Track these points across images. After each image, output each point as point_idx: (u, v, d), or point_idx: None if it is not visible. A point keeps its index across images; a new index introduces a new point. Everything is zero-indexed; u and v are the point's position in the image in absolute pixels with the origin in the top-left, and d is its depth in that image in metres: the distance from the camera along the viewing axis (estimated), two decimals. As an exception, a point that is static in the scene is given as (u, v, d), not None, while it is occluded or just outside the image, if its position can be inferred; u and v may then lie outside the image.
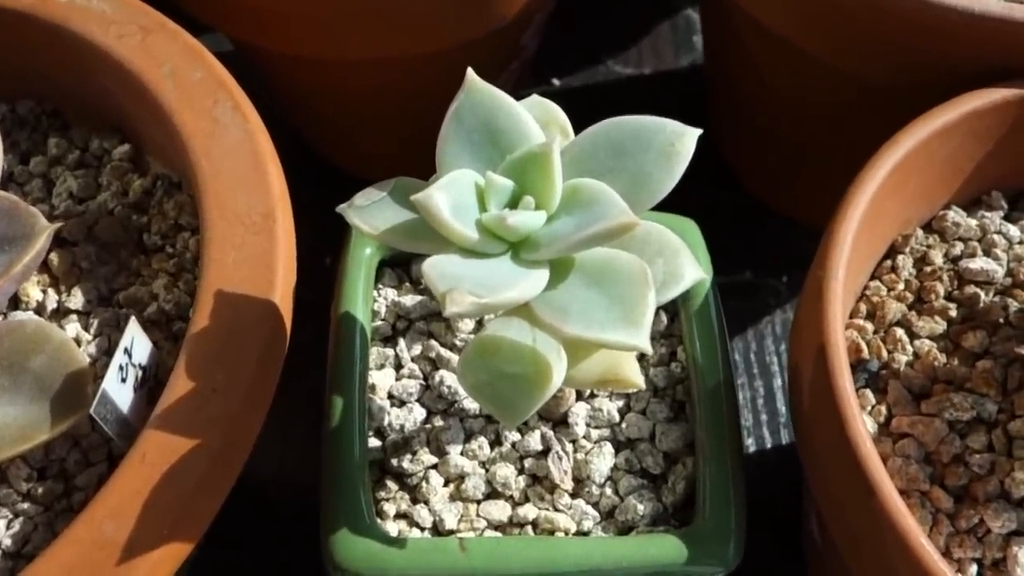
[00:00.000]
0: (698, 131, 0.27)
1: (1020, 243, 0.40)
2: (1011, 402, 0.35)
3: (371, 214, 0.27)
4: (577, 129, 0.29)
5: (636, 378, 0.29)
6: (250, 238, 0.32)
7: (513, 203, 0.26)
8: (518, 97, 0.29)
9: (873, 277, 0.40)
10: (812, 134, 0.50)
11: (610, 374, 0.28)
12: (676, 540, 0.32)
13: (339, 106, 0.52)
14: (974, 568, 0.33)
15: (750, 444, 0.53)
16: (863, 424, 0.30)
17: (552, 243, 0.25)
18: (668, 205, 0.47)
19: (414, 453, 0.34)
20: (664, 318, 0.38)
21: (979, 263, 0.38)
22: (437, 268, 0.24)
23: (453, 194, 0.25)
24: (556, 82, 0.69)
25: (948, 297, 0.39)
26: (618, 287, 0.25)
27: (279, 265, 0.32)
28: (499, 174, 0.26)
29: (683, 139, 0.27)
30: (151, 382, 0.32)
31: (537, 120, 0.28)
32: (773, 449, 0.53)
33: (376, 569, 0.30)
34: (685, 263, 0.27)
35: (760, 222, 0.60)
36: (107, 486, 0.27)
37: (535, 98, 0.29)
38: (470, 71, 0.28)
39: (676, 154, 0.26)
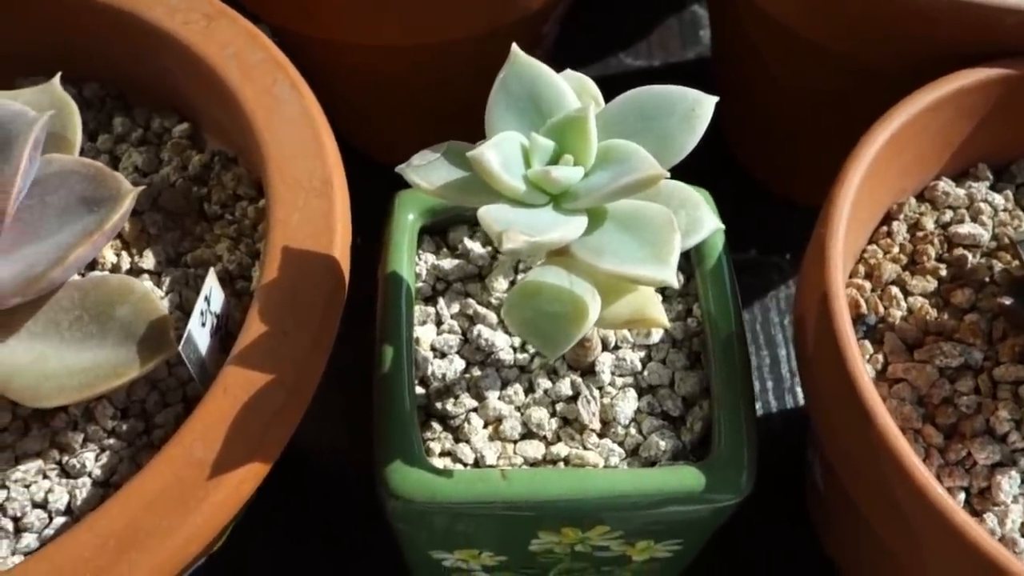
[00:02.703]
0: (715, 98, 0.31)
1: (1004, 210, 0.43)
2: (996, 351, 0.39)
3: (428, 172, 0.30)
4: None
5: (662, 318, 0.32)
6: (312, 200, 0.35)
7: (554, 161, 0.30)
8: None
9: (871, 242, 0.43)
10: (812, 119, 0.54)
11: (638, 315, 0.32)
12: (695, 471, 0.35)
13: (371, 92, 0.55)
14: (962, 495, 0.36)
15: (757, 409, 0.56)
16: (862, 361, 0.34)
17: (589, 193, 0.29)
18: None
19: (456, 397, 0.38)
20: (681, 278, 0.41)
21: (967, 228, 0.42)
22: (492, 214, 0.27)
23: (502, 152, 0.29)
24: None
25: (939, 259, 0.42)
26: (647, 231, 0.28)
27: (338, 224, 0.35)
28: (541, 135, 0.30)
29: (703, 104, 0.30)
30: (222, 331, 0.35)
31: (575, 90, 0.32)
32: (779, 413, 0.57)
33: (427, 496, 0.34)
34: (705, 214, 0.31)
35: (764, 205, 0.64)
36: (195, 414, 0.31)
37: (570, 72, 0.33)
38: (514, 45, 0.31)
39: (697, 117, 0.30)
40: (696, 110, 0.30)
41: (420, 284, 0.41)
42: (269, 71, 0.39)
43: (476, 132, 0.31)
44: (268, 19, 0.51)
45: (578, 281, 0.31)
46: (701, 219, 0.30)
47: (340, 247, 0.35)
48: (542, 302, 0.30)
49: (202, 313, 0.32)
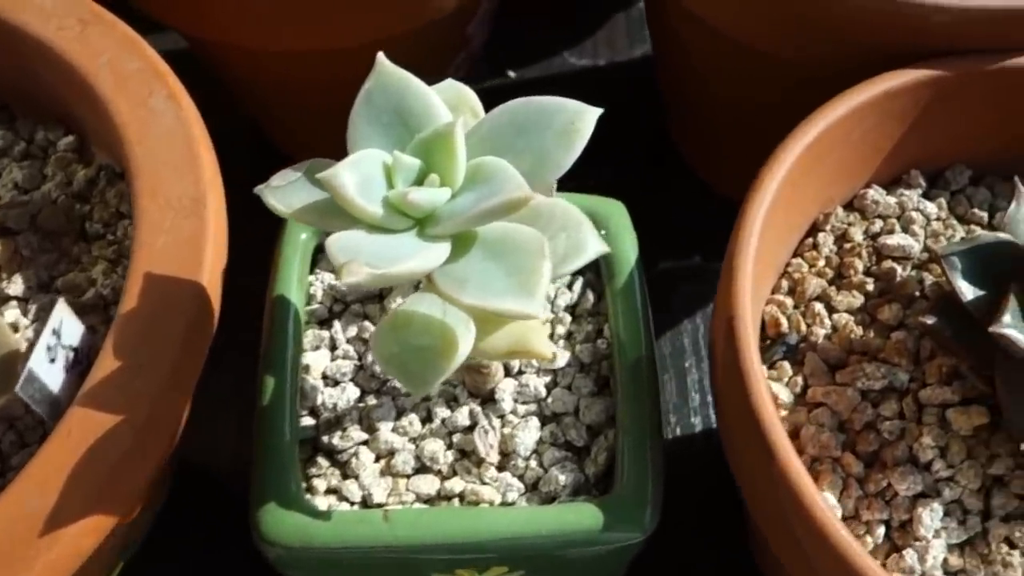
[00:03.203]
0: (598, 110, 0.28)
1: (937, 219, 0.41)
2: (923, 371, 0.37)
3: (286, 194, 0.28)
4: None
5: (544, 350, 0.30)
6: (180, 222, 0.33)
7: (419, 181, 0.27)
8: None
9: (796, 254, 0.41)
10: (749, 121, 0.51)
11: (519, 346, 0.29)
12: (593, 508, 0.33)
13: (285, 98, 0.53)
14: (882, 529, 0.34)
15: (696, 424, 0.54)
16: (767, 391, 0.31)
17: (452, 217, 0.26)
18: (624, 189, 0.48)
19: (344, 430, 0.35)
20: (591, 296, 0.39)
21: (896, 239, 0.40)
22: (339, 242, 0.25)
23: (360, 172, 0.27)
24: (512, 74, 0.71)
25: (867, 272, 0.40)
26: (515, 258, 0.26)
27: (208, 247, 0.33)
28: (407, 153, 0.28)
29: (583, 118, 0.28)
30: (84, 364, 0.33)
31: (449, 103, 0.30)
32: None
33: (302, 541, 0.31)
34: (588, 237, 0.28)
35: (710, 207, 0.61)
36: (32, 461, 0.28)
37: (448, 81, 0.31)
38: (380, 54, 0.29)
39: (575, 132, 0.28)
40: (575, 124, 0.28)
41: (316, 306, 0.39)
42: (146, 81, 0.36)
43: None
44: (175, 26, 0.48)
45: (453, 311, 0.28)
46: (583, 242, 0.28)
47: (210, 271, 0.32)
48: (410, 334, 0.28)
49: (50, 348, 0.30)
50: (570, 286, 0.39)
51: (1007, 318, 0.32)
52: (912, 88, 0.39)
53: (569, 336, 0.38)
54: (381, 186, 0.27)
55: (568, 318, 0.38)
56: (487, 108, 0.29)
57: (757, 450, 0.31)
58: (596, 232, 0.28)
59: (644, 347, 0.36)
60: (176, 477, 0.43)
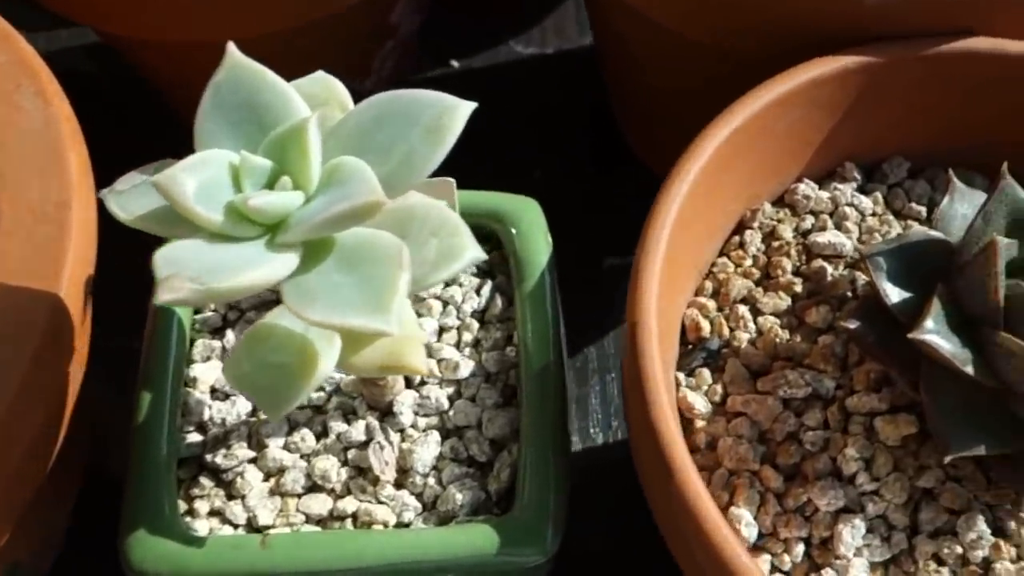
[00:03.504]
0: (471, 105, 0.26)
1: (872, 215, 0.39)
2: (851, 378, 0.34)
3: (128, 200, 0.25)
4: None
5: (419, 364, 0.28)
6: (39, 227, 0.31)
7: (271, 183, 0.25)
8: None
9: (723, 254, 0.39)
10: (687, 109, 0.48)
11: (392, 360, 0.27)
12: (488, 529, 0.30)
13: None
14: (801, 547, 0.32)
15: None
16: (668, 403, 0.29)
17: (299, 224, 0.24)
18: (573, 179, 0.45)
19: (229, 447, 0.33)
20: (500, 301, 0.37)
21: (827, 237, 0.37)
22: (167, 254, 0.22)
23: (203, 175, 0.24)
24: (455, 64, 0.68)
25: (796, 272, 0.37)
26: (369, 269, 0.24)
27: (68, 256, 0.30)
28: (259, 153, 0.25)
29: (452, 114, 0.25)
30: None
31: (315, 97, 0.27)
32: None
33: (173, 569, 0.29)
34: (462, 242, 0.26)
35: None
36: None
37: (318, 74, 0.28)
38: (231, 44, 0.26)
39: (443, 128, 0.25)
40: (443, 119, 0.25)
41: (208, 314, 0.36)
42: (12, 76, 0.34)
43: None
44: (78, 19, 0.46)
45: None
46: (457, 248, 0.26)
47: (70, 280, 0.30)
48: (267, 351, 0.26)
49: None
50: (479, 290, 0.37)
51: (929, 323, 0.30)
52: (841, 75, 0.37)
53: (476, 344, 0.36)
54: (227, 190, 0.25)
55: (476, 324, 0.36)
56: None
57: (657, 465, 0.28)
58: (471, 237, 0.26)
59: (553, 354, 0.34)
60: (91, 493, 0.40)
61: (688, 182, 0.33)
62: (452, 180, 0.31)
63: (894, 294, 0.32)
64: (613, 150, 0.61)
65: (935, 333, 0.30)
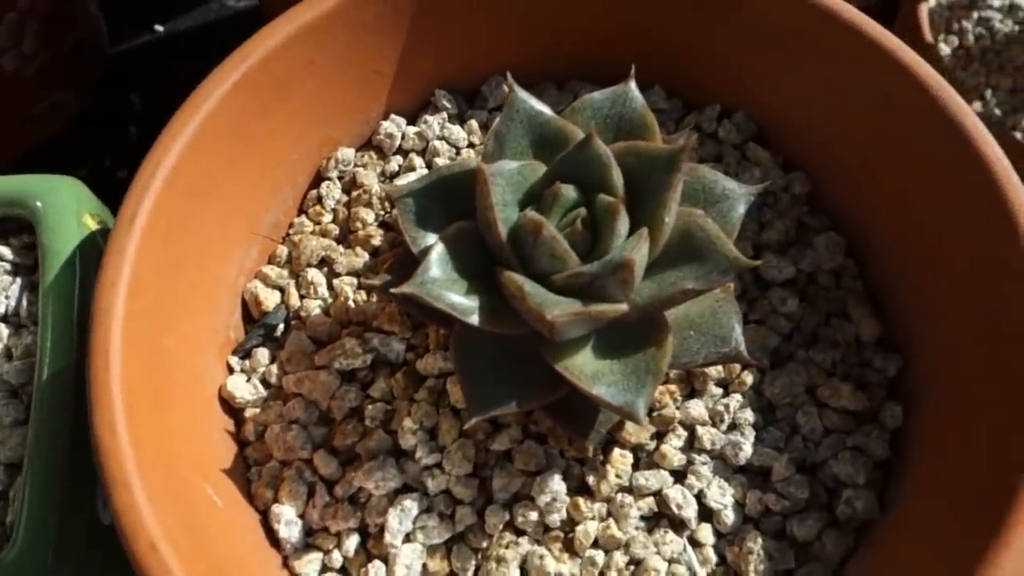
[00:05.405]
0: None
1: (469, 146, 0.34)
2: (425, 336, 0.30)
3: None
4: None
5: None
6: None
7: None
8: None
9: (302, 211, 0.34)
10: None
11: None
12: (-30, 574, 0.26)
13: None
14: (355, 539, 0.28)
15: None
16: (115, 412, 0.24)
17: None
18: None
19: None
20: (26, 300, 0.32)
21: (411, 178, 0.33)
22: None
23: None
24: (160, 28, 0.62)
25: (382, 224, 0.33)
26: None
27: None
28: None
29: None
30: None
31: None
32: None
33: None
34: None
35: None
36: None
37: None
38: None
39: None
40: None
41: None
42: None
43: None
44: None
45: None
46: None
47: None
48: None
49: None
50: (6, 291, 0.32)
51: (433, 272, 0.26)
52: (390, -9, 0.32)
53: (8, 353, 0.31)
54: None
55: (5, 330, 0.31)
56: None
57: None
58: None
59: (75, 357, 0.29)
60: None
61: (186, 135, 0.28)
62: None
63: (423, 239, 0.28)
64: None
65: (433, 283, 0.25)
